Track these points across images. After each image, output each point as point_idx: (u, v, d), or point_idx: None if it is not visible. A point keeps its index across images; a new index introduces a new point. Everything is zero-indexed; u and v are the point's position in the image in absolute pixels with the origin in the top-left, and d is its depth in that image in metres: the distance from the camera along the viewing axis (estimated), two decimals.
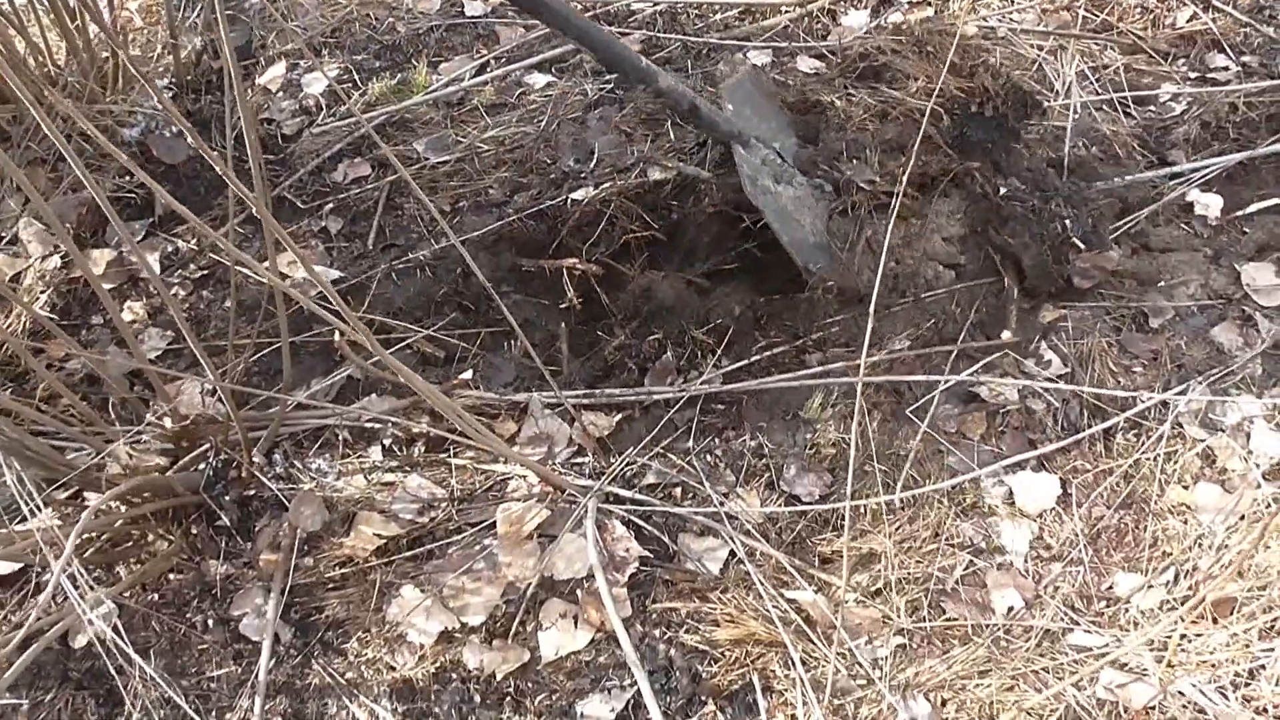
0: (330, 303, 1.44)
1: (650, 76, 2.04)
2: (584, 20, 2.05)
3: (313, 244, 2.25)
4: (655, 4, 2.69)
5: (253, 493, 1.84)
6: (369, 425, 1.93)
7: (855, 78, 2.31)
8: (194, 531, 1.79)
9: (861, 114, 2.20)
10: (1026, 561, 1.80)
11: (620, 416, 1.96)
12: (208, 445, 1.80)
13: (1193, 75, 2.63)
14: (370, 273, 2.19)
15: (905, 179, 1.96)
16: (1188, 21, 2.74)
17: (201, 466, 1.80)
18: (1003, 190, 2.22)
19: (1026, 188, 2.25)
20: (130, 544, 1.78)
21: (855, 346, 2.05)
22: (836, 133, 2.21)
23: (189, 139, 1.39)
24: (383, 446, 1.91)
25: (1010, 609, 1.74)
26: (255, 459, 1.83)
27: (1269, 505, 1.80)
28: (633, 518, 1.80)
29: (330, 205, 2.31)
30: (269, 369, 2.08)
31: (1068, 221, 2.20)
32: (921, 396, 2.01)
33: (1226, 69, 2.63)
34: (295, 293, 1.41)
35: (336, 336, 1.39)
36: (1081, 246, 2.22)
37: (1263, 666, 1.62)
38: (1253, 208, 2.40)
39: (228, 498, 1.80)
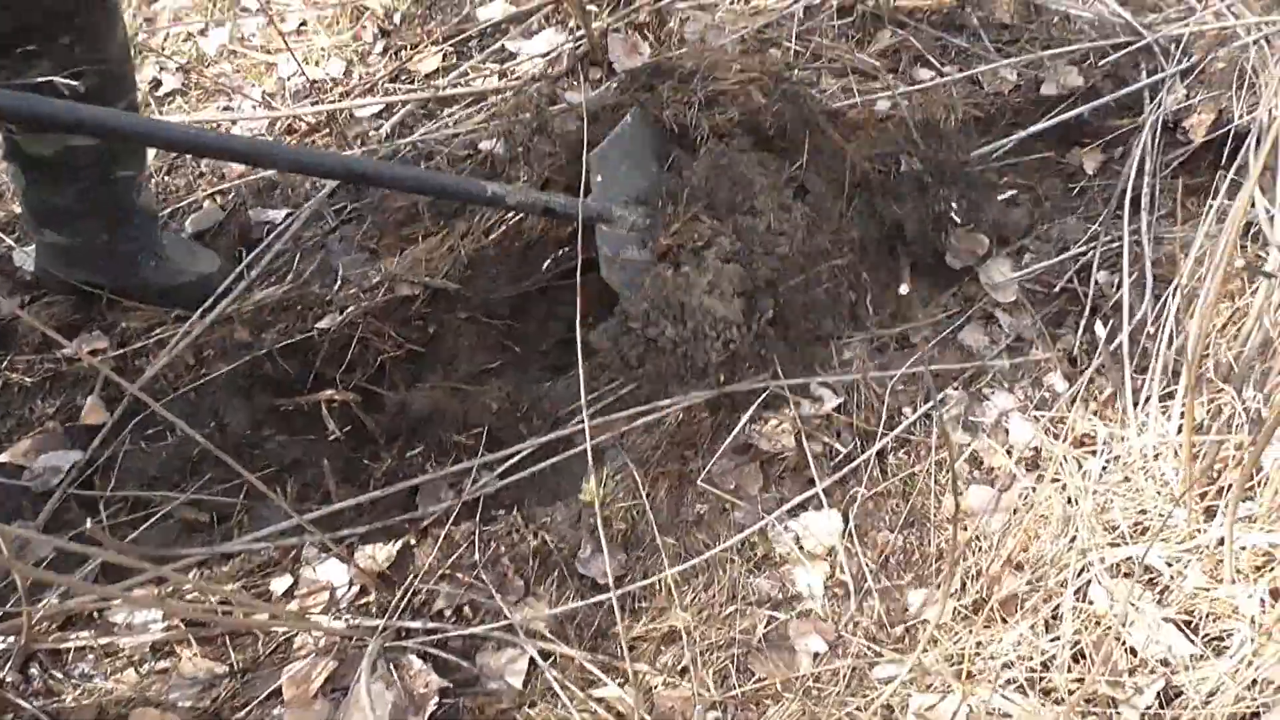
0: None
1: (499, 199, 2.02)
2: (423, 173, 2.17)
3: (50, 426, 2.11)
4: (380, 110, 2.65)
5: (11, 717, 1.69)
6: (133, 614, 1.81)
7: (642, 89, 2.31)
8: None
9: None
10: (824, 603, 1.82)
11: (400, 544, 1.90)
12: None
13: (902, 88, 2.75)
14: (117, 445, 2.06)
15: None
16: (890, 39, 2.88)
17: None
18: (903, 168, 2.38)
19: (923, 166, 2.38)
20: None
21: (629, 414, 2.03)
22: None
23: None
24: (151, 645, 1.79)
25: (816, 656, 1.75)
26: (6, 678, 1.68)
27: (1029, 495, 1.87)
28: (428, 649, 1.74)
29: (65, 381, 2.18)
30: None
31: (952, 202, 2.34)
32: (704, 456, 2.02)
33: (931, 78, 2.78)
34: None
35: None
36: (958, 221, 2.35)
37: (1053, 657, 1.67)
38: None
39: None
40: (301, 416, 2.13)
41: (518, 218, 2.30)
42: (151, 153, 2.40)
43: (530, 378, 2.16)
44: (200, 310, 2.19)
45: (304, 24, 2.84)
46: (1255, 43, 2.62)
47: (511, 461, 1.96)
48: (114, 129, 1.69)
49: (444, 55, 2.74)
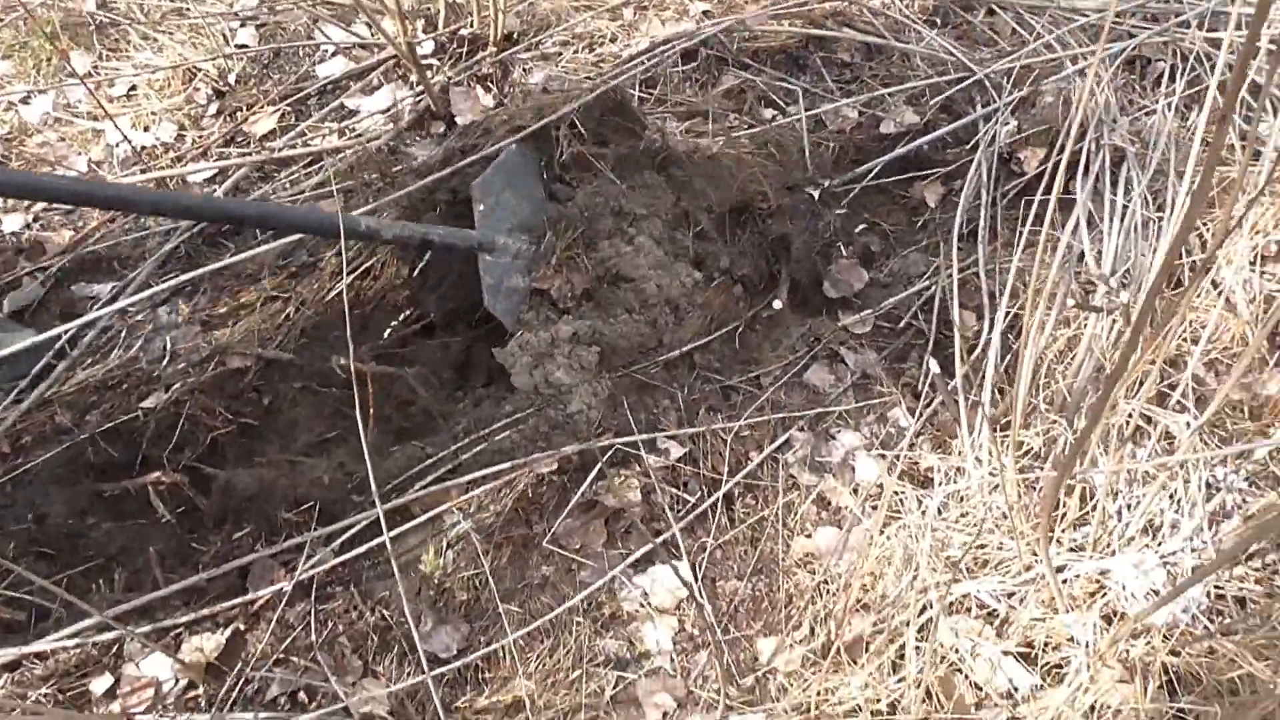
0: None
1: (374, 233, 2.00)
2: (298, 210, 2.13)
3: None
4: (213, 175, 2.56)
5: None
6: None
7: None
8: None
9: None
10: (673, 659, 1.78)
11: (229, 632, 1.81)
12: None
13: (746, 127, 2.76)
14: None
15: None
16: (733, 81, 2.89)
17: None
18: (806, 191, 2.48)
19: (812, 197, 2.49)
20: None
21: (468, 480, 1.97)
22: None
23: None
24: None
25: (665, 715, 1.71)
26: None
27: (875, 536, 1.86)
28: None
29: None
30: None
31: (838, 230, 2.45)
32: (550, 518, 1.97)
33: (774, 118, 2.79)
34: None
35: None
36: (844, 252, 2.42)
37: (900, 697, 1.65)
38: None
39: None
40: (129, 501, 2.03)
41: (356, 281, 2.24)
42: None
43: (371, 446, 2.09)
44: (14, 394, 2.08)
45: (134, 88, 2.74)
46: (1080, 73, 2.71)
47: (347, 535, 1.89)
48: None
49: (281, 115, 2.68)
